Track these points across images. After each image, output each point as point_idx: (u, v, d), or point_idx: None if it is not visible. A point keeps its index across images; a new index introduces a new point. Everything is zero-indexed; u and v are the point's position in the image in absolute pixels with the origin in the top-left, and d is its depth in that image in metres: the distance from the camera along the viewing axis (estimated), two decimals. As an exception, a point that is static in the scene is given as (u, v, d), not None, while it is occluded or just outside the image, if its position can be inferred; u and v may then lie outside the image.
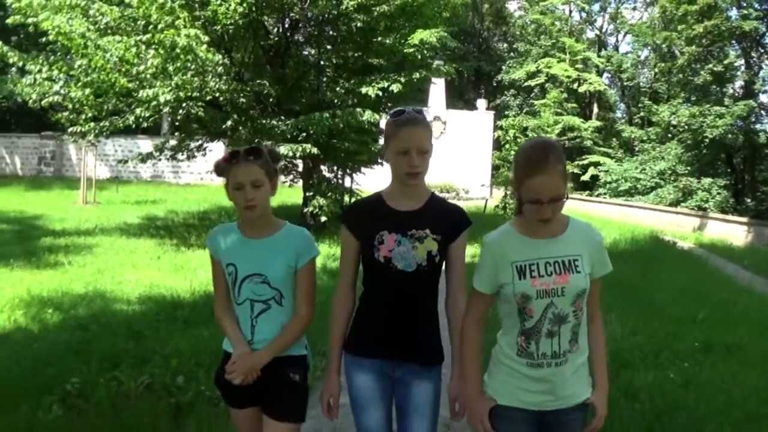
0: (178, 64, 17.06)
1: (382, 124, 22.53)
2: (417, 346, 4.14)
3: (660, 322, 11.57)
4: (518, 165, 3.70)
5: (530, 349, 3.81)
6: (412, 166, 3.97)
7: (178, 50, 16.66)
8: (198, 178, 44.47)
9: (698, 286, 16.43)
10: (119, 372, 7.51)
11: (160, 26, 17.06)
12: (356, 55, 21.93)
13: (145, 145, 42.19)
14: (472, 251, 19.45)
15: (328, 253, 17.10)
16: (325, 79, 22.54)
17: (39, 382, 7.23)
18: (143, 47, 17.43)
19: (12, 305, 11.10)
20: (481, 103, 54.82)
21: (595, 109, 62.75)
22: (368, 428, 4.14)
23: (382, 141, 19.13)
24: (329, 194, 21.33)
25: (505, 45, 76.70)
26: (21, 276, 13.75)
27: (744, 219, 35.86)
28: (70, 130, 20.10)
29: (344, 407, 4.32)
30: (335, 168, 24.77)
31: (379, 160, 24.36)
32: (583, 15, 68.90)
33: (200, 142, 23.91)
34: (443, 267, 4.24)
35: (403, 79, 20.49)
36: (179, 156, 23.59)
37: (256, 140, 18.89)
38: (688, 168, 46.95)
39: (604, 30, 70.83)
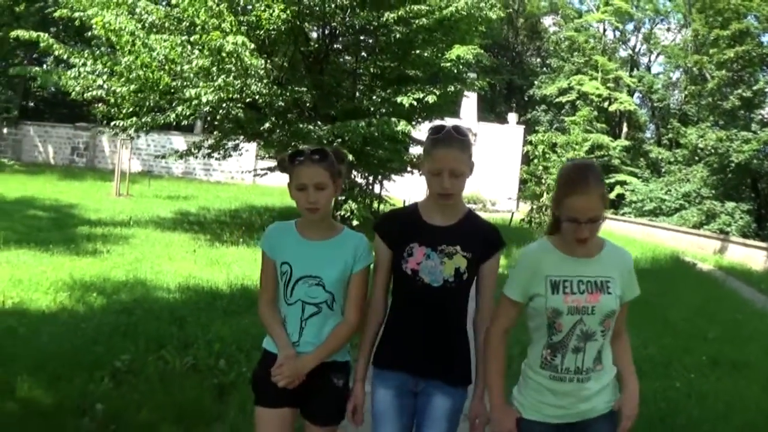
0: (224, 66, 17.60)
1: (415, 135, 22.96)
2: (441, 363, 4.12)
3: (672, 338, 11.92)
4: (559, 184, 3.78)
5: (555, 362, 3.85)
6: (442, 188, 3.94)
7: (223, 54, 17.19)
8: (229, 176, 44.78)
9: (713, 306, 16.77)
10: (165, 352, 8.01)
11: (206, 27, 17.57)
12: (393, 65, 22.31)
13: (178, 141, 42.67)
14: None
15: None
16: (361, 87, 23.02)
17: (90, 358, 7.71)
18: (189, 47, 17.96)
19: (56, 288, 11.56)
20: (512, 116, 55.09)
21: (625, 129, 62.88)
22: None
23: (412, 150, 19.54)
24: (360, 199, 21.88)
25: (539, 60, 76.93)
26: (61, 261, 14.14)
27: (764, 244, 36.08)
28: (112, 123, 20.63)
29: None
30: (367, 174, 25.31)
31: (409, 169, 24.93)
32: (617, 34, 69.21)
33: (236, 142, 24.44)
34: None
35: (438, 92, 20.96)
36: (215, 155, 24.09)
37: (292, 143, 19.44)
38: (713, 191, 47.21)
39: (637, 50, 71.09)
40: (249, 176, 38.39)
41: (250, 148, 30.53)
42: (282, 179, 4.36)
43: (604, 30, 67.79)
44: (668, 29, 69.46)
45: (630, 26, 69.02)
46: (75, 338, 8.52)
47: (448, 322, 4.13)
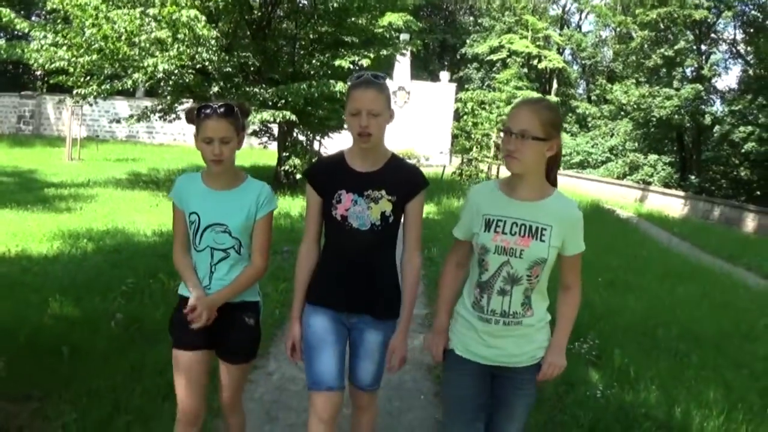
0: (180, 36, 19.14)
1: None
2: (369, 301, 4.37)
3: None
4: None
5: (482, 303, 3.94)
6: (362, 126, 4.10)
7: (179, 26, 18.75)
8: (171, 138, 45.54)
9: (621, 244, 18.61)
10: (161, 276, 9.73)
11: (164, 2, 19.06)
12: (330, 30, 23.87)
13: (122, 106, 43.47)
14: (428, 209, 21.73)
15: (303, 206, 19.11)
16: (302, 51, 24.67)
17: (100, 284, 9.45)
18: (146, 20, 19.45)
19: (48, 238, 13.14)
20: (444, 75, 55.67)
21: (555, 85, 64.45)
22: (316, 375, 4.34)
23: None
24: (302, 156, 23.64)
25: (471, 18, 77.52)
26: (43, 218, 15.60)
27: (681, 193, 38.55)
28: (74, 92, 22.09)
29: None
30: (308, 132, 26.98)
31: (345, 126, 26.61)
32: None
33: (185, 105, 25.85)
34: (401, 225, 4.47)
35: (372, 55, 22.81)
36: (168, 117, 25.51)
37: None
38: (636, 144, 49.32)
39: (567, 9, 72.67)
40: (190, 137, 39.75)
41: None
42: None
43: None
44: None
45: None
46: (82, 272, 10.25)
47: (374, 263, 4.37)
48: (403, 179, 4.35)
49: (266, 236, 4.47)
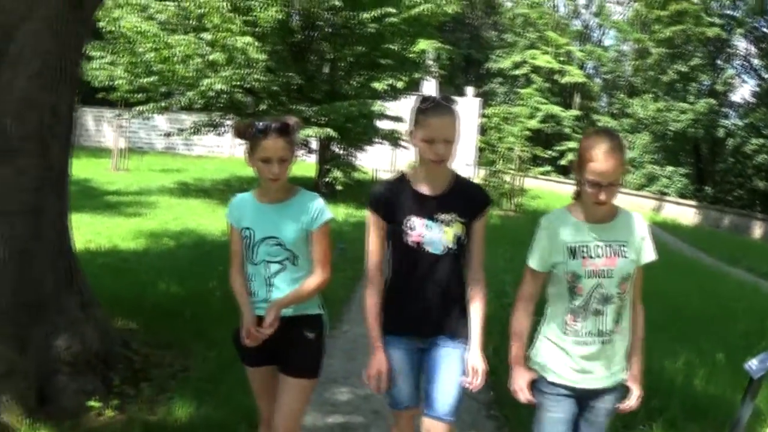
0: (233, 60, 21.25)
1: (387, 112, 26.34)
2: (443, 325, 4.28)
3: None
4: (585, 149, 3.82)
5: (576, 327, 3.98)
6: (436, 155, 4.03)
7: (233, 50, 20.83)
8: (208, 150, 46.78)
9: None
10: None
11: (219, 28, 21.19)
12: (365, 51, 25.74)
13: (159, 119, 44.51)
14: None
15: (346, 213, 21.18)
16: (341, 73, 26.64)
17: (196, 270, 11.42)
18: (202, 44, 21.51)
19: (132, 236, 14.93)
20: (470, 89, 56.43)
21: (577, 99, 65.37)
22: (397, 398, 4.36)
23: (379, 123, 23.54)
24: (344, 168, 25.68)
25: (495, 33, 78.36)
26: (117, 221, 17.15)
27: (694, 202, 40.33)
28: (135, 108, 24.25)
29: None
30: (346, 147, 28.82)
31: (377, 140, 28.79)
32: (570, 8, 71.94)
33: (230, 120, 27.85)
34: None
35: (405, 78, 25.10)
36: (218, 131, 27.88)
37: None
38: (654, 157, 51.00)
39: (588, 24, 73.74)
40: (226, 149, 41.78)
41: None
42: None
43: (554, 7, 70.95)
44: (618, 2, 71.67)
45: (582, 0, 71.90)
46: (177, 262, 12.16)
47: (449, 285, 4.25)
48: (470, 199, 4.30)
49: (324, 247, 4.44)
